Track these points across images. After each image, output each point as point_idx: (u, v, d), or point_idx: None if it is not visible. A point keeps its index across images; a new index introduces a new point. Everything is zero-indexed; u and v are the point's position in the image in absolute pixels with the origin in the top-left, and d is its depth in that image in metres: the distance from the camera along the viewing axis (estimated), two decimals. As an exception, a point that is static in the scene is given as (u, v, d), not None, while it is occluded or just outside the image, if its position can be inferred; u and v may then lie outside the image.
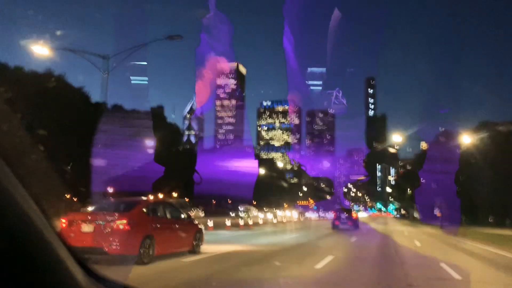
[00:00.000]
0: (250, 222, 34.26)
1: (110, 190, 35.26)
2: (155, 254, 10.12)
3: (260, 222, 38.01)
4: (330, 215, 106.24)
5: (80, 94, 41.29)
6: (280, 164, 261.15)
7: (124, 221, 9.46)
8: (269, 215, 49.10)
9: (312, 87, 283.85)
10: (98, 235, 9.29)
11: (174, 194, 57.81)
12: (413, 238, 24.07)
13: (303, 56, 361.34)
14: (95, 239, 9.19)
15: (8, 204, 1.55)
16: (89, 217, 9.75)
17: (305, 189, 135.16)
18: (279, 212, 67.32)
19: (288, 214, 66.33)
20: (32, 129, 27.07)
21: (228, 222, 28.54)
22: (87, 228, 9.42)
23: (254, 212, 47.70)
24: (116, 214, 9.75)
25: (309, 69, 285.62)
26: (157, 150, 45.04)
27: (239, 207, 51.33)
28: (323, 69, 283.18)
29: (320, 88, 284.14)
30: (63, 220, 9.60)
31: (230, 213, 46.37)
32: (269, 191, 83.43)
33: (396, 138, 39.13)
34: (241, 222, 31.62)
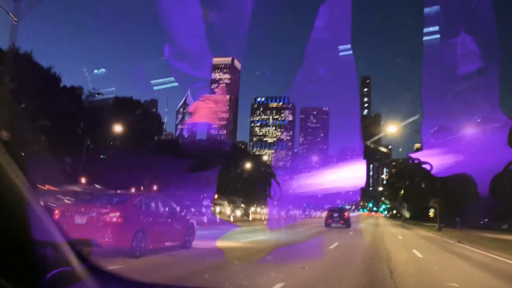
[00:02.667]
0: (217, 220, 31.31)
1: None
2: (147, 247, 10.24)
3: (231, 219, 34.58)
4: (319, 214, 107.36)
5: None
6: (272, 160, 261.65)
7: (117, 214, 9.55)
8: (238, 212, 44.61)
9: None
10: (91, 227, 9.38)
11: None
12: (410, 244, 19.92)
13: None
14: (88, 231, 9.27)
15: (9, 192, 1.63)
16: (82, 209, 9.82)
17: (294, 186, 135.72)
18: (252, 209, 67.54)
19: (266, 211, 66.29)
20: (34, 118, 26.41)
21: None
22: (80, 220, 9.49)
23: (226, 208, 44.93)
24: (110, 207, 9.83)
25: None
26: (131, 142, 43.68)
27: (203, 203, 48.48)
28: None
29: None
30: (56, 212, 9.66)
31: (192, 209, 40.60)
32: (253, 187, 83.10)
33: (391, 129, 37.98)
34: (205, 220, 28.22)
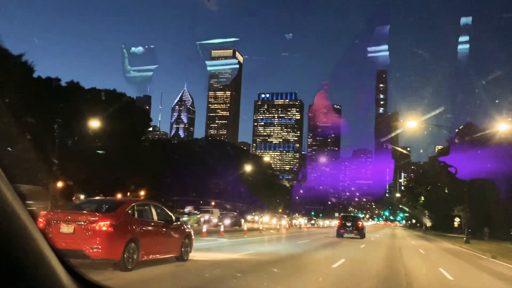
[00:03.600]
0: (203, 229, 26.42)
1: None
2: (139, 259, 10.30)
3: (221, 228, 30.39)
4: (328, 223, 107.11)
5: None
6: (277, 164, 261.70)
7: (108, 222, 9.60)
8: (228, 220, 41.70)
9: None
10: (79, 236, 9.43)
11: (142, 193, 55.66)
12: (434, 261, 18.13)
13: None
14: (75, 241, 9.32)
15: None
16: (69, 217, 9.87)
17: (301, 192, 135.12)
18: (254, 218, 67.64)
19: (268, 220, 66.27)
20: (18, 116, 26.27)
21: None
22: (66, 228, 9.55)
23: (213, 217, 43.02)
24: (99, 215, 9.89)
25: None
26: (116, 139, 42.94)
27: (186, 210, 48.29)
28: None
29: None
30: (41, 220, 9.72)
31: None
32: (260, 193, 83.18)
33: (411, 124, 36.29)
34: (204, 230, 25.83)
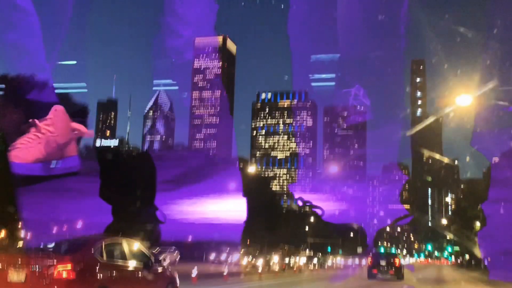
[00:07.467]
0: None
1: None
2: (111, 315, 10.46)
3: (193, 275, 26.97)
4: (350, 261, 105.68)
5: None
6: (284, 184, 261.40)
7: (69, 267, 9.76)
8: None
9: (318, 83, 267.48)
10: (32, 286, 9.60)
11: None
12: None
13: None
14: (27, 291, 9.49)
15: None
16: (20, 261, 10.04)
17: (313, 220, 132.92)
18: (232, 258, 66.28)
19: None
20: None
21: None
22: (16, 276, 9.73)
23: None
24: (58, 257, 10.06)
25: (314, 57, 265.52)
26: None
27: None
28: (335, 56, 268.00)
29: (333, 84, 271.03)
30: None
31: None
32: (260, 227, 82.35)
33: (462, 101, 29.24)
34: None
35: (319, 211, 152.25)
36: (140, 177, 61.68)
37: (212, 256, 67.70)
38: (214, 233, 72.25)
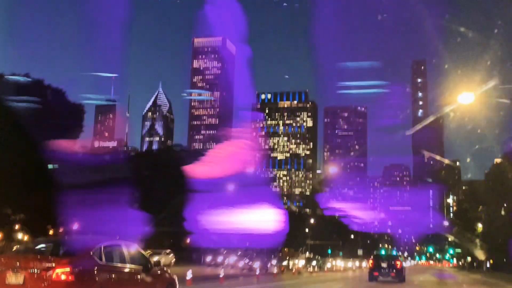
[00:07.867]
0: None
1: None
2: (109, 317, 10.47)
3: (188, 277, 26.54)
4: (350, 264, 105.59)
5: None
6: (284, 186, 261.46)
7: (67, 269, 9.76)
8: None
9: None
10: (31, 288, 9.61)
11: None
12: None
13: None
14: (26, 294, 9.50)
15: None
16: (18, 263, 10.04)
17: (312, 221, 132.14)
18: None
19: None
20: None
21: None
22: (14, 278, 9.72)
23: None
24: (56, 259, 10.06)
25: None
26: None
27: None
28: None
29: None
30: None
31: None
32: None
33: (464, 99, 26.44)
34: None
35: (358, 221, 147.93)
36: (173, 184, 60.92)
37: (209, 258, 67.49)
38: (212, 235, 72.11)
